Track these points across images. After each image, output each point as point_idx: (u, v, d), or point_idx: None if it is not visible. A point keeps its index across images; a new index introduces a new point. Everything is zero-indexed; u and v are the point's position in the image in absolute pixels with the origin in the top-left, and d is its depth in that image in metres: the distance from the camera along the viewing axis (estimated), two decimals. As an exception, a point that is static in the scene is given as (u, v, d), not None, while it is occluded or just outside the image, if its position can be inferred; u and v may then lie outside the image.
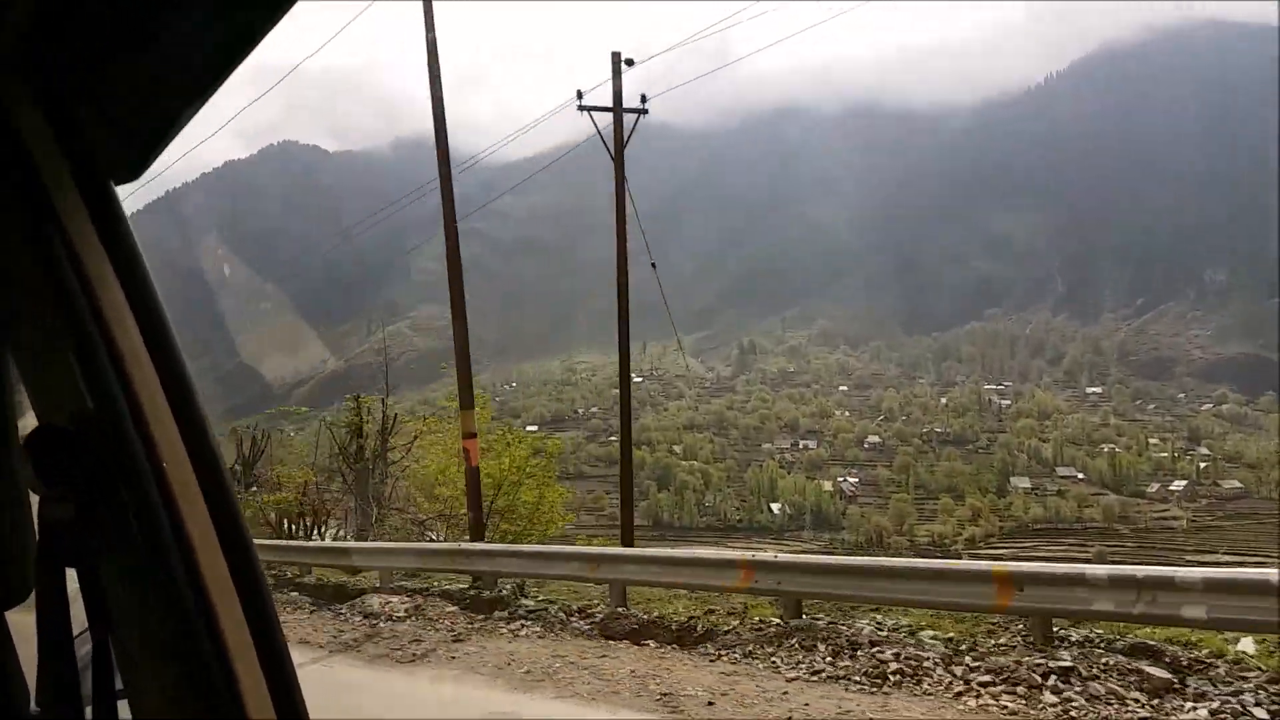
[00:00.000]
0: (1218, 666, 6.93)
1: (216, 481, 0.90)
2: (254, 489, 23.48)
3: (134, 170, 1.04)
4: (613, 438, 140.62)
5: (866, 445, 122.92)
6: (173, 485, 0.87)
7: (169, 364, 0.92)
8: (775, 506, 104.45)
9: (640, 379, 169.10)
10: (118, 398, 0.89)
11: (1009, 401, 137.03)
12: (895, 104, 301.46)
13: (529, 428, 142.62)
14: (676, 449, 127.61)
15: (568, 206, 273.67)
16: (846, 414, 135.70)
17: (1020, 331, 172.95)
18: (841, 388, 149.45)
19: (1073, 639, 7.79)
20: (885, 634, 8.58)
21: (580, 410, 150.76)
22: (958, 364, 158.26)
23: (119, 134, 1.01)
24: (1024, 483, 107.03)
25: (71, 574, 0.94)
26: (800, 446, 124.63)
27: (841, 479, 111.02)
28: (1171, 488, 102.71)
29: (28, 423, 1.09)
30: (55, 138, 0.95)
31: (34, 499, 1.00)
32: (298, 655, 5.75)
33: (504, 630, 10.20)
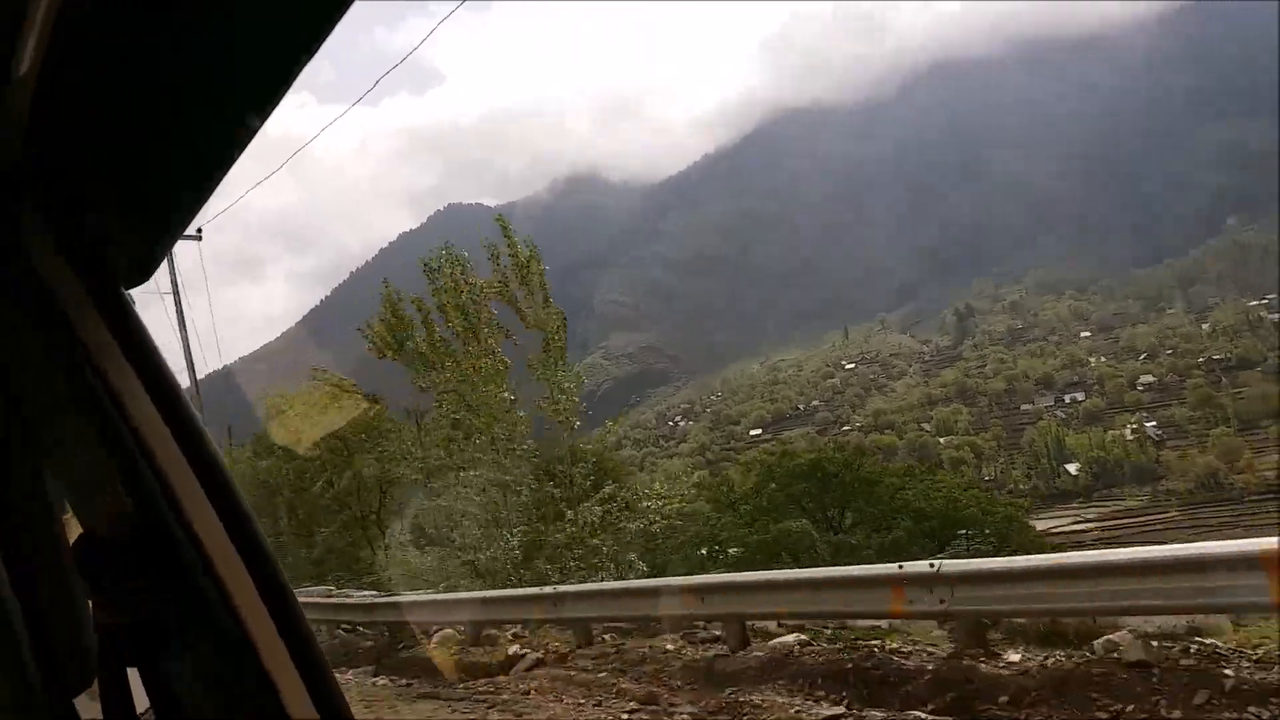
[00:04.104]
0: None
1: (264, 564, 0.92)
2: None
3: (143, 272, 1.07)
4: (845, 427, 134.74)
5: (1141, 386, 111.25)
6: (220, 572, 0.89)
7: (199, 454, 0.94)
8: (1073, 467, 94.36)
9: (851, 365, 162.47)
10: (155, 494, 0.91)
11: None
12: (1069, 31, 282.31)
13: (752, 432, 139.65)
14: (926, 426, 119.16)
15: (732, 216, 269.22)
16: (1102, 359, 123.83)
17: (1270, 239, 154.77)
18: (1083, 334, 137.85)
19: None
20: None
21: (801, 406, 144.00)
22: (1206, 286, 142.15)
23: (124, 239, 1.04)
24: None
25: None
26: (1068, 400, 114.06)
27: (1133, 425, 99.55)
28: None
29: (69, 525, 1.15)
30: (62, 250, 0.97)
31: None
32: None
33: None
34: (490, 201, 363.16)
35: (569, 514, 17.56)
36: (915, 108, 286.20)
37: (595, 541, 17.12)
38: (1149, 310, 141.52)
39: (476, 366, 19.66)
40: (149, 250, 1.05)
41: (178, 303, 26.30)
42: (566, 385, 19.18)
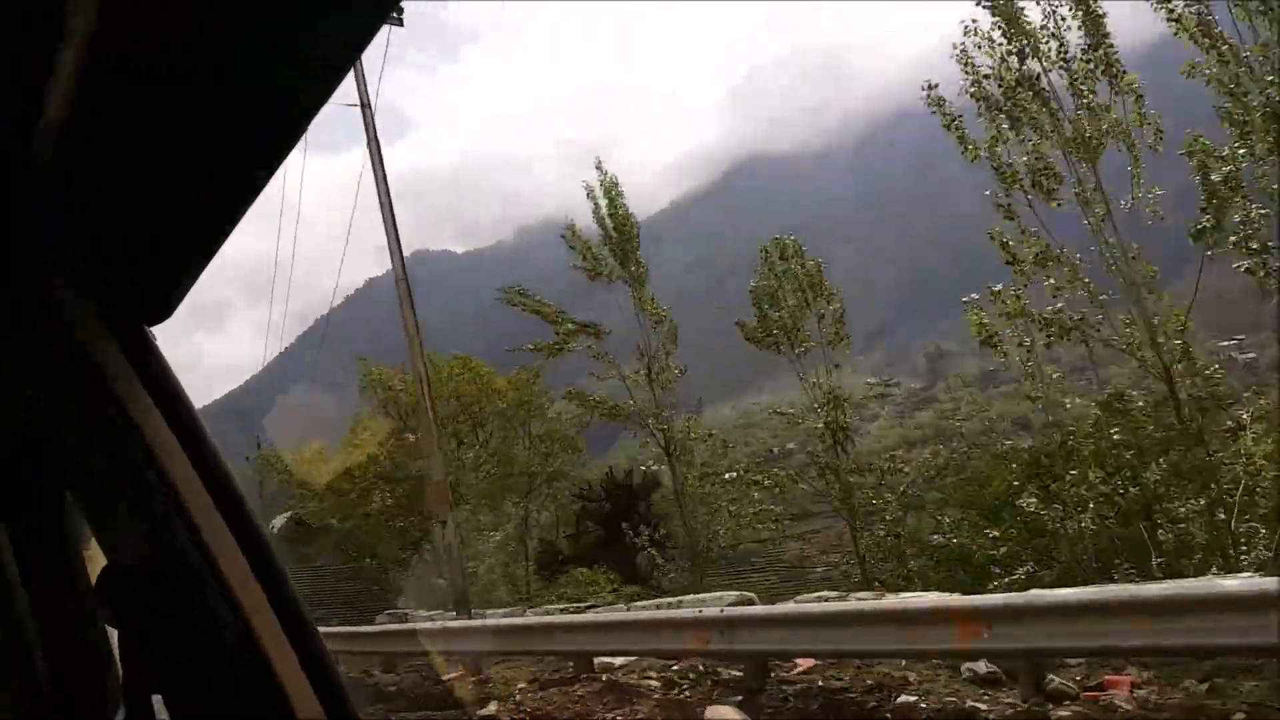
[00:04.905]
0: None
1: (282, 591, 0.94)
2: None
3: (163, 312, 1.10)
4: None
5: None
6: (238, 595, 0.91)
7: (221, 487, 0.96)
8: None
9: (820, 408, 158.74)
10: (178, 529, 0.93)
11: (1253, 355, 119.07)
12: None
13: (727, 475, 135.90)
14: (905, 469, 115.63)
15: (700, 262, 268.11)
16: (1078, 399, 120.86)
17: (1240, 278, 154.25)
18: (1054, 374, 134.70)
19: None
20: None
21: (776, 450, 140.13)
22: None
23: (145, 280, 1.06)
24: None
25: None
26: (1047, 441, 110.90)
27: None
28: None
29: (93, 557, 1.16)
30: (86, 290, 1.00)
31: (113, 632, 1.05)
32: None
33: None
34: (458, 248, 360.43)
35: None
36: (880, 154, 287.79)
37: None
38: (1118, 351, 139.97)
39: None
40: (169, 290, 1.07)
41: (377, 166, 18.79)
42: None
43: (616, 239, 20.02)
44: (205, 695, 0.94)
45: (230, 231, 1.01)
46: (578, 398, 22.74)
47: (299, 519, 30.97)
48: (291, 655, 0.90)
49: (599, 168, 21.26)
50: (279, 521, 30.88)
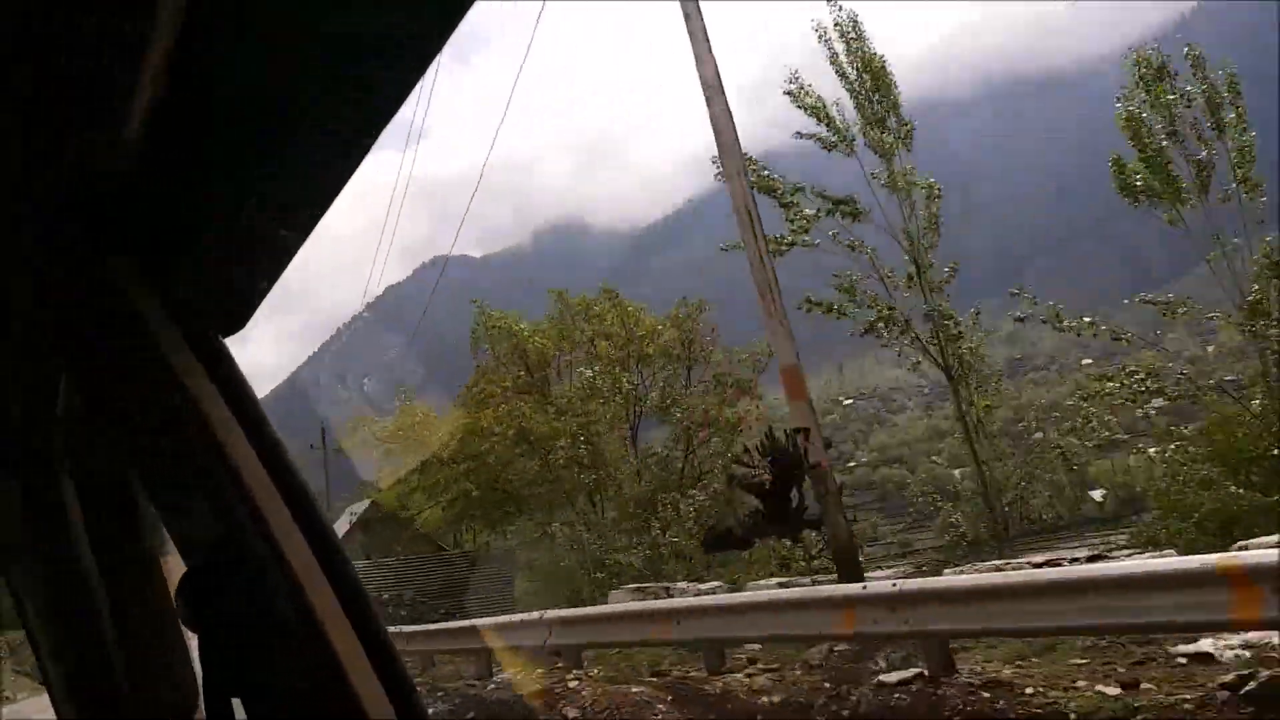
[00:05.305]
0: None
1: (352, 588, 0.96)
2: None
3: (238, 322, 1.11)
4: (850, 464, 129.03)
5: (1156, 409, 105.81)
6: (315, 608, 0.92)
7: (293, 492, 0.98)
8: (1097, 494, 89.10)
9: (849, 400, 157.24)
10: (250, 532, 0.95)
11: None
12: (1034, 72, 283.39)
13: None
14: (936, 459, 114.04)
15: (717, 257, 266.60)
16: (1110, 385, 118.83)
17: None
18: (1085, 361, 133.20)
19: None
20: None
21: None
22: (1205, 308, 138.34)
23: (218, 290, 1.08)
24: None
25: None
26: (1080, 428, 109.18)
27: (1155, 450, 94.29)
28: None
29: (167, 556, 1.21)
30: (162, 300, 1.01)
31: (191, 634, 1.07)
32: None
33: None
34: (476, 253, 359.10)
35: None
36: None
37: None
38: (1149, 333, 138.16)
39: None
40: (243, 301, 1.09)
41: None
42: None
43: (868, 89, 15.46)
44: (281, 699, 0.95)
45: (303, 241, 1.01)
46: (848, 291, 17.76)
47: (377, 504, 28.97)
48: (363, 656, 0.90)
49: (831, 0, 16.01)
50: (359, 508, 29.17)
